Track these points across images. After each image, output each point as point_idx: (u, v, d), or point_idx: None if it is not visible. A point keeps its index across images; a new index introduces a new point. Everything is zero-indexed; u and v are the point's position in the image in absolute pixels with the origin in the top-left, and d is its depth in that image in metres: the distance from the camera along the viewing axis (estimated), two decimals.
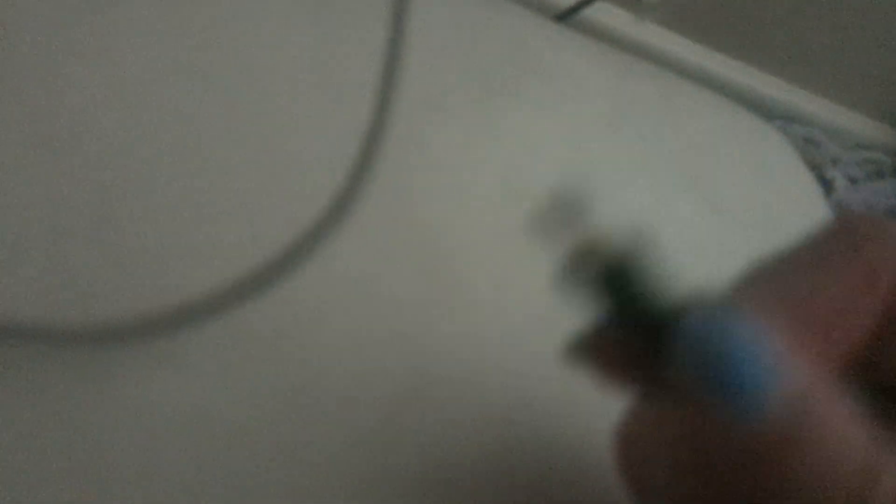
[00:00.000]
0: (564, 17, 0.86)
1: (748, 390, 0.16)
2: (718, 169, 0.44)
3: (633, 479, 0.20)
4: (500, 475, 0.25)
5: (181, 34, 0.28)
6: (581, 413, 0.27)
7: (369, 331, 0.25)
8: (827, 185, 0.53)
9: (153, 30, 0.28)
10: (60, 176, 0.23)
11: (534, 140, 0.36)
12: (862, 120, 0.91)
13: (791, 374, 0.17)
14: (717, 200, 0.42)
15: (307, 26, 0.32)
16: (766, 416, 0.16)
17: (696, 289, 0.19)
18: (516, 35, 0.40)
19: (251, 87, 0.29)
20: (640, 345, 0.19)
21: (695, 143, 0.44)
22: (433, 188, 0.31)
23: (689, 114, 0.46)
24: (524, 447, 0.26)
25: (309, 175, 0.27)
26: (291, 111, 0.29)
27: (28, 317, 0.20)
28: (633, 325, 0.20)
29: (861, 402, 0.17)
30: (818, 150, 0.54)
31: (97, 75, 0.26)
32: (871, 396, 0.19)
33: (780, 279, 0.20)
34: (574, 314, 0.20)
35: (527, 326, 0.29)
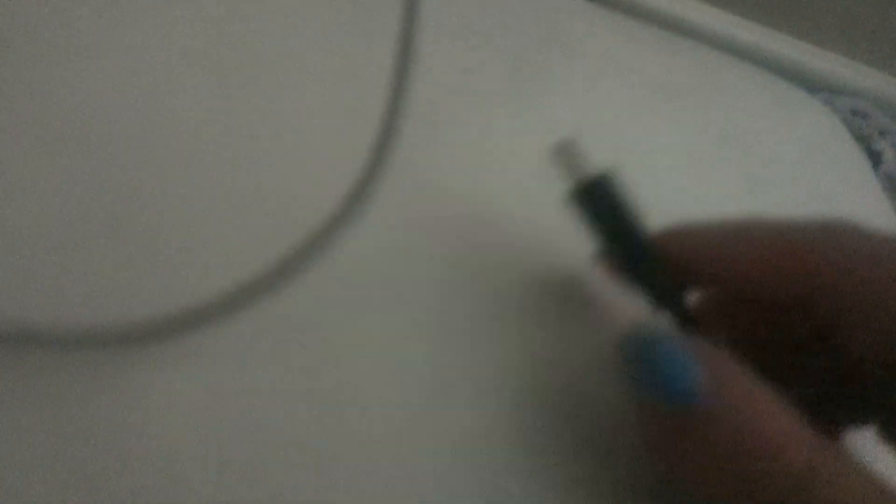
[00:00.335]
0: None
1: (674, 385, 0.21)
2: (762, 145, 0.42)
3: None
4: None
5: (194, 27, 0.28)
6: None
7: (392, 323, 0.24)
8: (875, 157, 0.51)
9: (166, 24, 0.27)
10: (74, 176, 0.23)
11: (567, 122, 0.35)
12: None
13: (706, 366, 0.21)
14: (762, 177, 0.40)
15: (322, 10, 0.31)
16: (689, 400, 0.20)
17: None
18: (545, 13, 0.38)
19: (265, 77, 0.28)
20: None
21: (737, 120, 0.42)
22: (457, 173, 0.30)
23: (730, 89, 0.44)
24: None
25: (325, 166, 0.26)
26: (306, 101, 0.28)
27: (43, 320, 0.20)
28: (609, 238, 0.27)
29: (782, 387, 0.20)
30: (865, 122, 0.52)
31: (110, 71, 0.25)
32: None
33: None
34: None
35: (557, 305, 0.28)
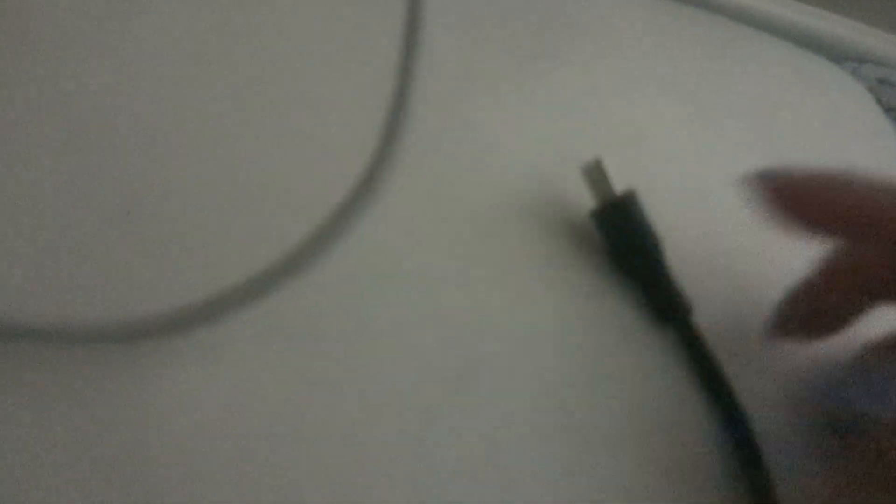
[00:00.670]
0: None
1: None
2: (787, 117, 0.41)
3: None
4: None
5: (200, 19, 0.27)
6: None
7: (410, 308, 0.24)
8: None
9: (172, 16, 0.27)
10: (86, 170, 0.22)
11: (580, 102, 0.34)
12: None
13: None
14: (787, 151, 0.39)
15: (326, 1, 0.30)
16: None
17: None
18: None
19: (272, 67, 0.28)
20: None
21: (760, 93, 0.41)
22: (468, 159, 0.29)
23: (752, 61, 0.43)
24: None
25: (336, 153, 0.25)
26: (314, 89, 0.28)
27: (59, 316, 0.20)
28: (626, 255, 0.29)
29: None
30: (893, 91, 0.50)
31: (117, 65, 0.25)
32: None
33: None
34: None
35: (570, 298, 0.27)
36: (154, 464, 0.19)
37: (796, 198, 0.25)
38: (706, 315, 0.29)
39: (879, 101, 0.48)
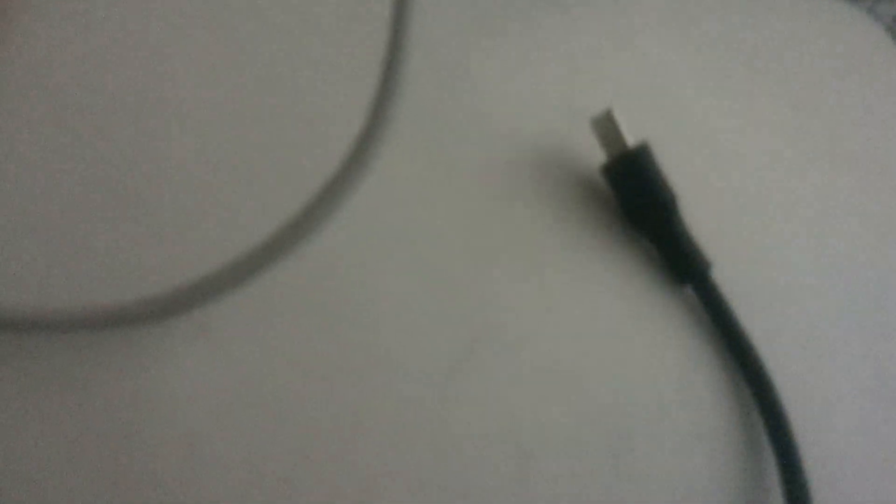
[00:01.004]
0: None
1: None
2: (803, 61, 0.39)
3: None
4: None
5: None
6: None
7: (415, 278, 0.23)
8: None
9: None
10: (72, 154, 0.21)
11: (588, 53, 0.32)
12: None
13: None
14: (804, 95, 0.38)
15: None
16: None
17: None
18: None
19: (259, 28, 0.26)
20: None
21: (771, 38, 0.39)
22: (470, 116, 0.27)
23: (764, 5, 0.41)
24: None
25: (328, 121, 0.24)
26: (304, 57, 0.26)
27: (48, 304, 0.18)
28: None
29: None
30: None
31: (103, 43, 0.23)
32: None
33: None
34: None
35: (582, 259, 0.26)
36: (153, 449, 0.18)
37: None
38: (725, 272, 0.28)
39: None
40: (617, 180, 0.28)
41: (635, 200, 0.27)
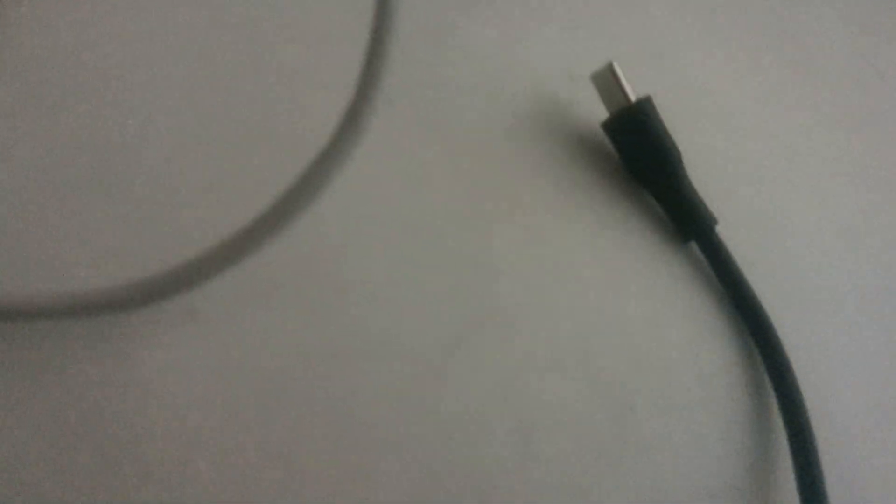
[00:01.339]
0: None
1: None
2: (808, 23, 0.38)
3: None
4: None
5: None
6: None
7: (412, 252, 0.22)
8: None
9: None
10: (54, 137, 0.20)
11: (588, 13, 0.31)
12: None
13: None
14: (809, 58, 0.36)
15: None
16: None
17: None
18: None
19: (245, 20, 0.25)
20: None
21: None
22: (463, 79, 0.27)
23: None
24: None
25: (312, 95, 0.23)
26: (289, 36, 0.25)
27: (33, 291, 0.18)
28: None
29: None
30: None
31: (84, 21, 0.22)
32: None
33: None
34: None
35: (585, 219, 0.25)
36: (143, 437, 0.18)
37: None
38: (730, 233, 0.27)
39: None
40: (619, 136, 0.27)
41: (638, 156, 0.27)
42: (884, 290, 0.30)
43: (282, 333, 0.20)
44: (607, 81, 0.26)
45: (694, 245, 0.27)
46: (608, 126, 0.27)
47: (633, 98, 0.26)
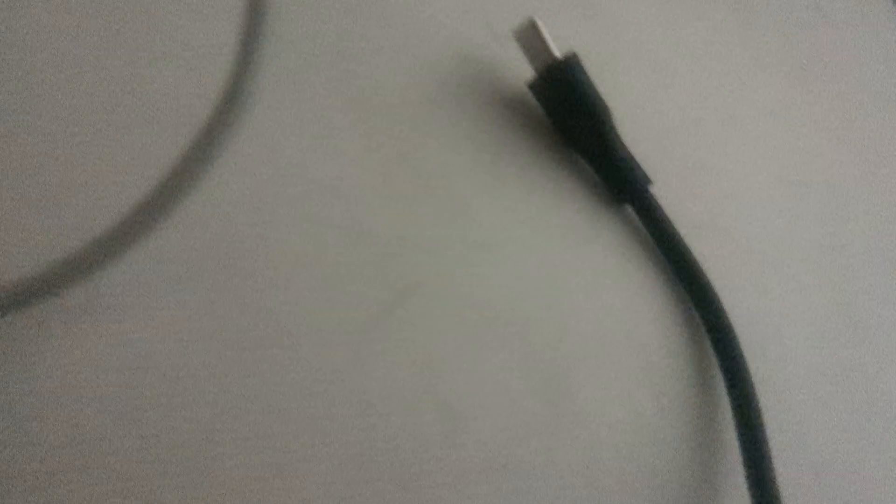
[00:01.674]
0: None
1: None
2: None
3: None
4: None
5: None
6: None
7: (318, 228, 0.21)
8: None
9: None
10: None
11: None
12: None
13: None
14: (747, 5, 0.35)
15: None
16: None
17: None
18: None
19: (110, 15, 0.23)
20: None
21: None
22: (368, 34, 0.25)
23: None
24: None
25: (192, 66, 0.21)
26: (157, 25, 0.23)
27: None
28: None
29: None
30: None
31: None
32: None
33: None
34: None
35: (514, 184, 0.24)
36: (49, 441, 0.16)
37: None
38: (666, 189, 0.26)
39: None
40: (546, 96, 0.25)
41: (566, 116, 0.25)
42: (827, 243, 0.29)
43: (188, 319, 0.18)
44: (530, 38, 0.25)
45: (629, 208, 0.26)
46: (534, 86, 0.25)
47: (558, 55, 0.25)
